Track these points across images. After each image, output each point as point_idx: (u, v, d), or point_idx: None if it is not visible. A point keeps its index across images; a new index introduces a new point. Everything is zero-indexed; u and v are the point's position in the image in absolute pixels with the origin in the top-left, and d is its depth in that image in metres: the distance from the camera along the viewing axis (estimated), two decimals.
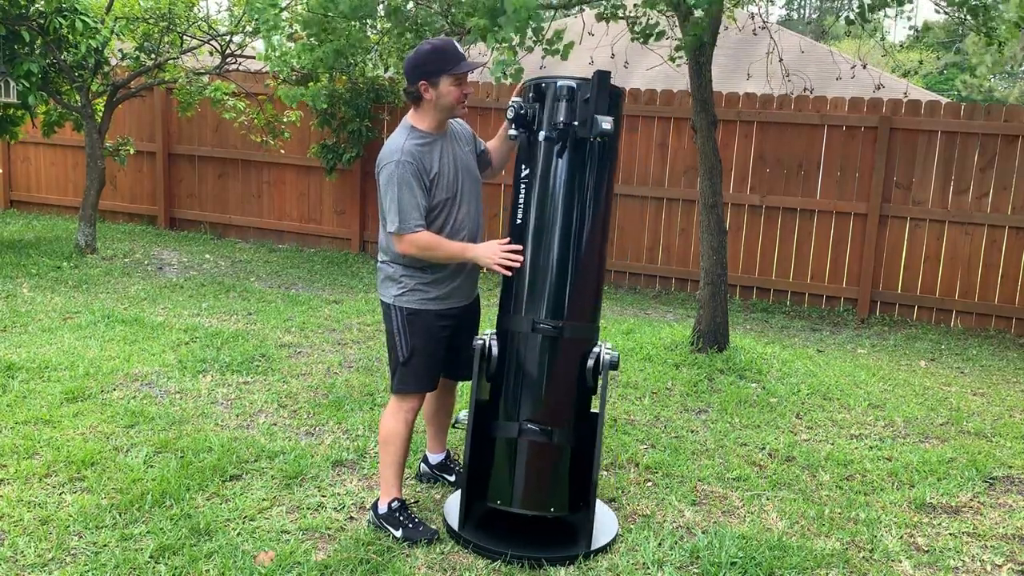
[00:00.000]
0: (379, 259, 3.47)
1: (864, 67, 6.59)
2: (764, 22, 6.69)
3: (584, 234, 3.28)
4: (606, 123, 3.15)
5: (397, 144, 3.26)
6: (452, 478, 3.83)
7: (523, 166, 3.34)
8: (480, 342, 3.34)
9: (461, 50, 3.27)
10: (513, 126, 3.31)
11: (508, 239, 3.33)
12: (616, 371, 3.37)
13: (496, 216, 8.90)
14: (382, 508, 3.42)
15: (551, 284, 3.27)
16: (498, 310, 3.42)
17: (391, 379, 3.48)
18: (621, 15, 5.66)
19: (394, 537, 3.33)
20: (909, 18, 5.07)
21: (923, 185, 7.81)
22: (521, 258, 3.27)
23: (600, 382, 3.33)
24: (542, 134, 3.27)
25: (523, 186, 3.32)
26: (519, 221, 3.32)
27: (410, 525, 3.36)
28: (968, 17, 4.53)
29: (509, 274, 3.30)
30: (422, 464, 3.93)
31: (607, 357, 3.26)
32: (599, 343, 3.35)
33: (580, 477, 3.36)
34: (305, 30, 5.61)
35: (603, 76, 3.17)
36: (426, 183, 3.25)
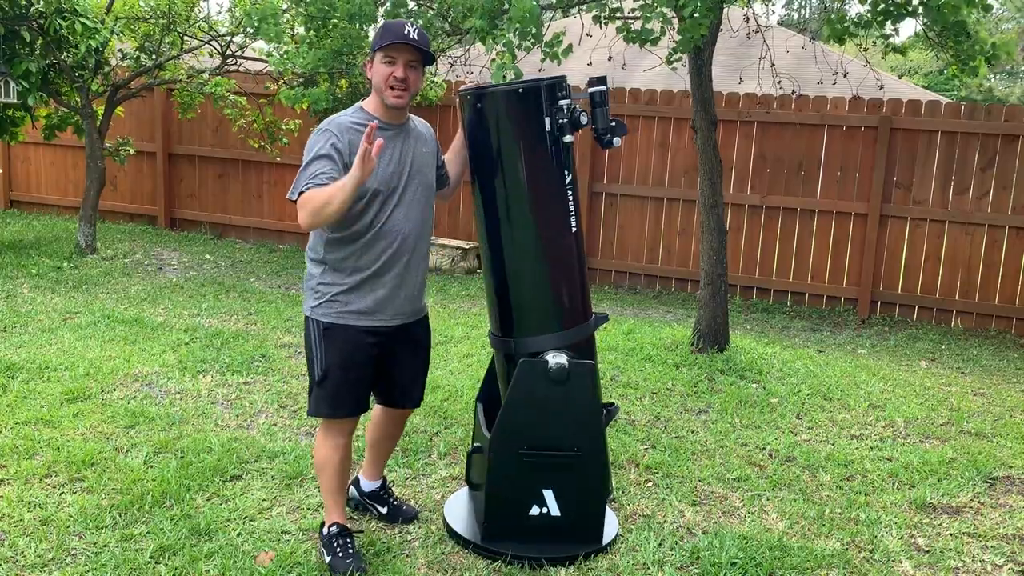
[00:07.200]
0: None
1: (844, 72, 6.59)
2: (759, 25, 6.69)
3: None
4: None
5: (333, 117, 3.01)
6: (384, 510, 3.49)
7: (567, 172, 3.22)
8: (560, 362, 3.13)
9: (410, 31, 2.91)
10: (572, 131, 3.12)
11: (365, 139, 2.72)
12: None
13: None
14: (324, 530, 3.19)
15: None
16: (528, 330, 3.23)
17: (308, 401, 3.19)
18: (618, 16, 5.66)
19: (324, 562, 3.14)
20: (888, 36, 5.06)
21: (923, 185, 7.81)
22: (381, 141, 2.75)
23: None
24: (568, 137, 3.17)
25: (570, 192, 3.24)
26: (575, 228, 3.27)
27: (340, 554, 3.09)
28: (944, 40, 4.54)
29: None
30: (352, 487, 3.54)
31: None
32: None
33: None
34: (306, 25, 5.63)
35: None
36: (344, 161, 2.87)
